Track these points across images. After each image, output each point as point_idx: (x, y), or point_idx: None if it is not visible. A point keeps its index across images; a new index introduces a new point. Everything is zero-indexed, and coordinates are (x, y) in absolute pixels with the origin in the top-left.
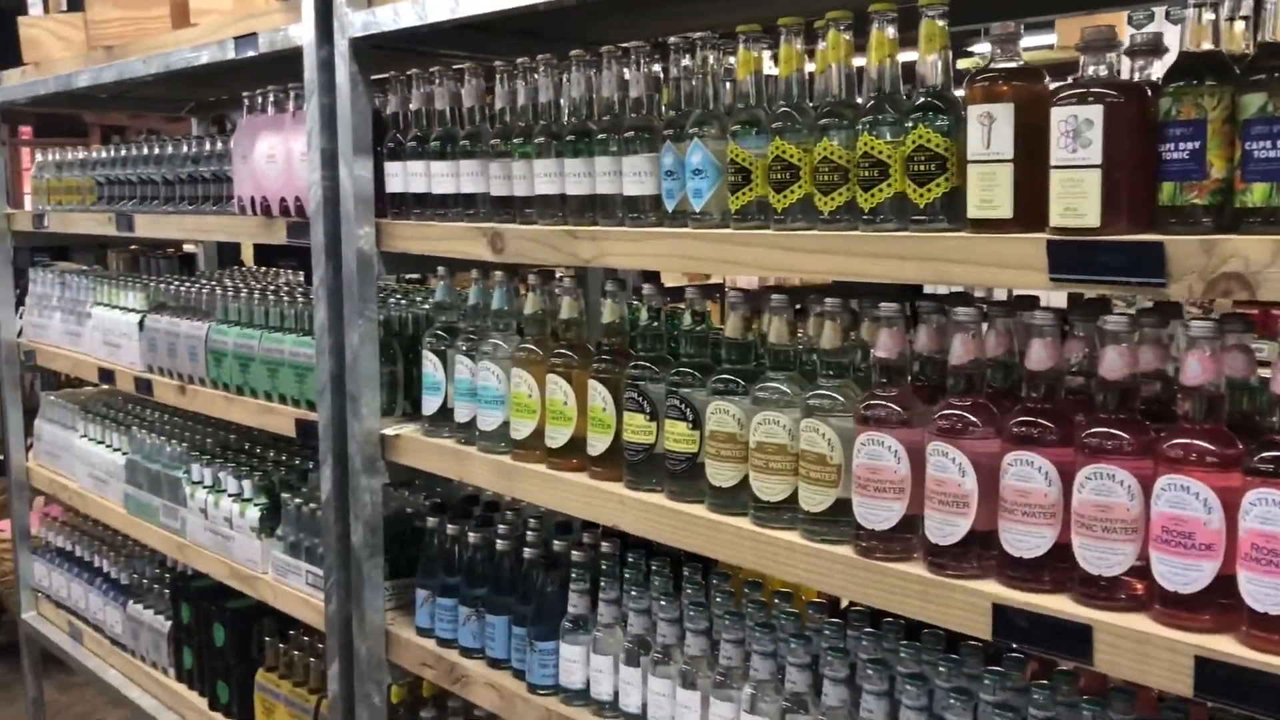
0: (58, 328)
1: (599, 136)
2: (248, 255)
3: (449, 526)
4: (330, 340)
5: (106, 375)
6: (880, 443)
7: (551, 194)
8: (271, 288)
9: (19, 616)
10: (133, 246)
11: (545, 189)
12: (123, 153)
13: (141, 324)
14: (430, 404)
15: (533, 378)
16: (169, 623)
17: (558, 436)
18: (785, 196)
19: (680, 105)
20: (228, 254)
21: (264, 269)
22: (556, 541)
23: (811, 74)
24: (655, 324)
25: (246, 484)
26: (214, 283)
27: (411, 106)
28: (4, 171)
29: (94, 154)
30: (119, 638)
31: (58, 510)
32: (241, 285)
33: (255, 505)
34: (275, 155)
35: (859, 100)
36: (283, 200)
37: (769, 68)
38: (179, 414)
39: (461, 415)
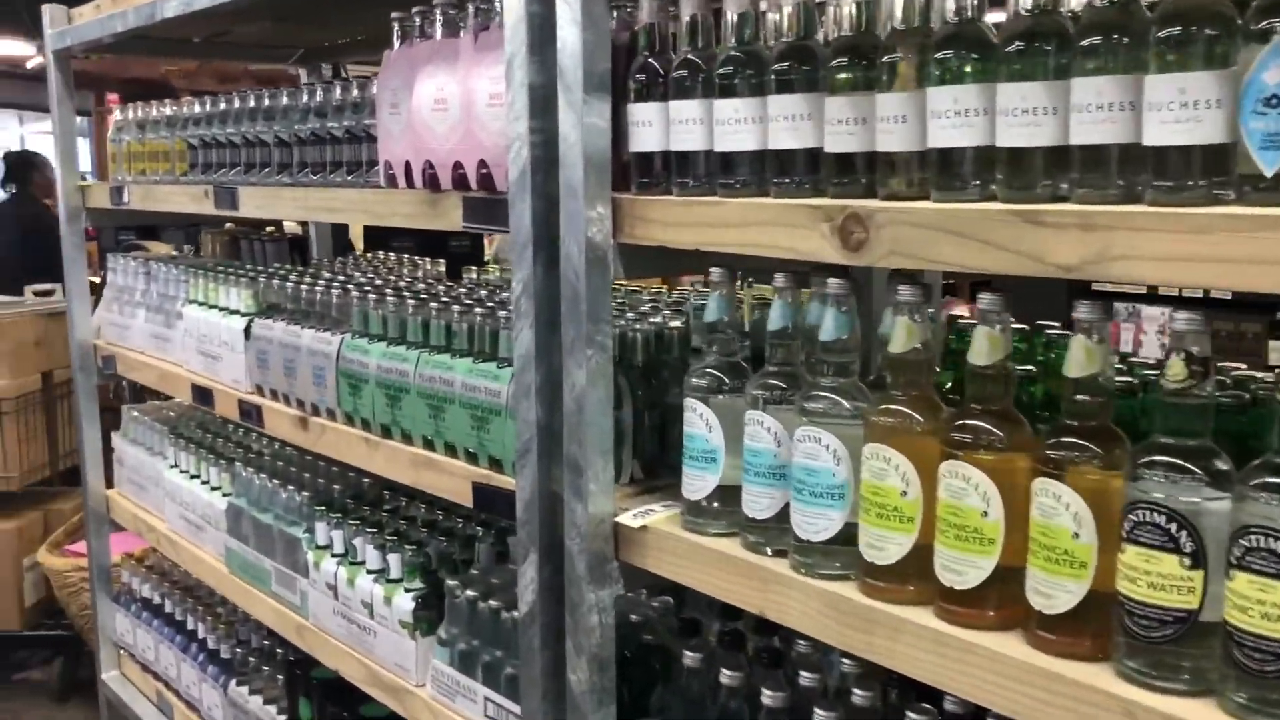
0: (141, 329)
1: (1086, 43)
2: (356, 235)
3: (727, 675)
4: (538, 376)
5: (203, 394)
6: None
7: (963, 147)
8: (420, 286)
9: (100, 676)
10: (228, 225)
11: (951, 138)
12: (221, 106)
13: (248, 331)
14: (698, 482)
15: (910, 462)
16: (282, 718)
17: (966, 570)
18: None
19: None
20: (335, 235)
21: (383, 255)
22: (912, 713)
23: None
24: (1192, 385)
25: (394, 559)
26: (344, 278)
27: (685, 14)
28: (90, 135)
29: (184, 110)
30: None
31: (138, 544)
32: (383, 283)
33: (407, 591)
34: (446, 100)
35: None
36: (458, 166)
37: None
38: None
39: (756, 507)
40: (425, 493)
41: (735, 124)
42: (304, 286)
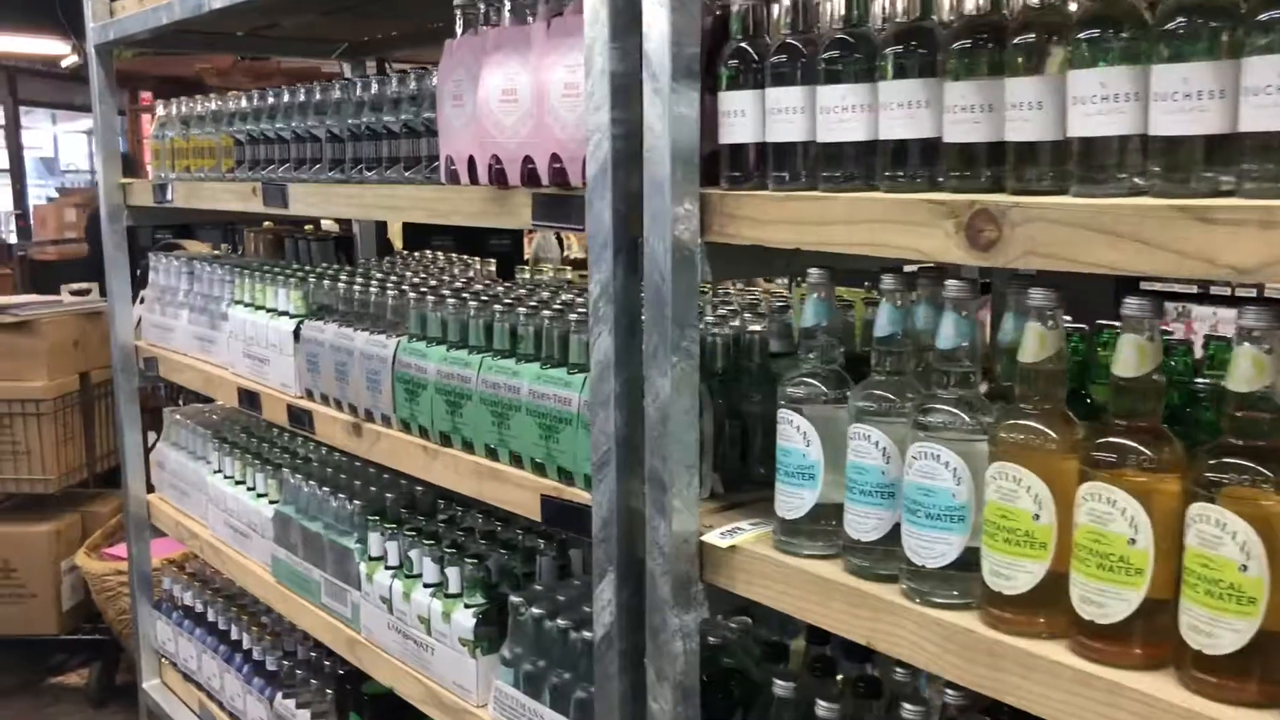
0: (185, 330)
1: (1265, 16)
2: (394, 234)
3: (824, 707)
4: (618, 384)
5: (249, 398)
6: None
7: (1110, 136)
8: (478, 287)
9: (140, 684)
10: (267, 223)
11: (1096, 125)
12: (270, 100)
13: (298, 333)
14: (793, 500)
15: (1043, 483)
16: None
17: (1109, 602)
18: None
19: None
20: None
21: (430, 254)
22: None
23: None
24: None
25: (452, 572)
26: (396, 278)
27: None
28: (123, 133)
29: (231, 104)
30: None
31: (177, 548)
32: (438, 284)
33: (467, 606)
34: (515, 91)
35: None
36: (528, 161)
37: None
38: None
39: (862, 528)
40: (481, 502)
41: (842, 112)
42: (357, 287)
